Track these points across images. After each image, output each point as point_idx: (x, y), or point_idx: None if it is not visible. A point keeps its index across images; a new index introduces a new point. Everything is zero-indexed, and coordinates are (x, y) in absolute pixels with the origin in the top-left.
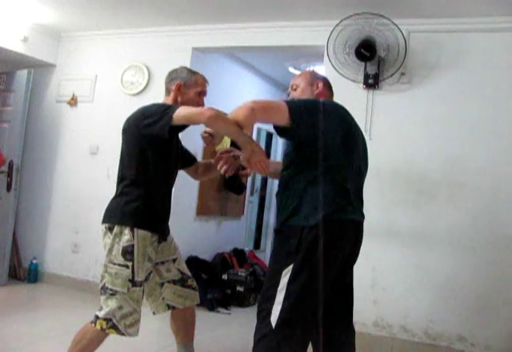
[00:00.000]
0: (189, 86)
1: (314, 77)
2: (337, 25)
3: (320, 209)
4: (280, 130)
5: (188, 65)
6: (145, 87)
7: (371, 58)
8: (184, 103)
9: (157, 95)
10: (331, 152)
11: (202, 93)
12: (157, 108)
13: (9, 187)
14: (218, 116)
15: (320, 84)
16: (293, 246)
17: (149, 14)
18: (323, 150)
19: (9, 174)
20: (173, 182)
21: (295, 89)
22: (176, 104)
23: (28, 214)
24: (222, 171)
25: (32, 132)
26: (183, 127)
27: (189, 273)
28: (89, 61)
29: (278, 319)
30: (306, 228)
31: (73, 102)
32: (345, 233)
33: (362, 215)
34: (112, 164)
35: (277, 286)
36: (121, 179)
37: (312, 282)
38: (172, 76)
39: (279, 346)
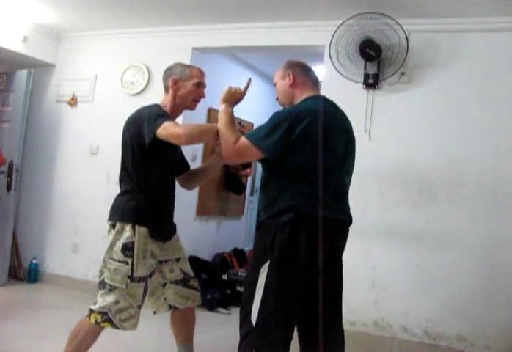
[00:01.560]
0: (185, 79)
1: (286, 69)
2: (341, 25)
3: (295, 207)
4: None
5: None
6: (145, 87)
7: (377, 57)
8: (183, 97)
9: (157, 95)
10: (306, 153)
11: (201, 84)
12: (149, 115)
13: (9, 187)
14: (191, 135)
15: (291, 75)
16: (269, 242)
17: (149, 14)
18: (299, 152)
19: (9, 174)
20: (174, 182)
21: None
22: (174, 100)
23: (29, 214)
24: None
25: (32, 132)
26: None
27: (192, 274)
28: (89, 61)
29: (257, 318)
30: (280, 224)
31: (73, 102)
32: (320, 230)
33: (347, 215)
34: (112, 164)
35: (255, 284)
36: (123, 177)
37: (288, 279)
38: (166, 74)
39: (261, 345)
